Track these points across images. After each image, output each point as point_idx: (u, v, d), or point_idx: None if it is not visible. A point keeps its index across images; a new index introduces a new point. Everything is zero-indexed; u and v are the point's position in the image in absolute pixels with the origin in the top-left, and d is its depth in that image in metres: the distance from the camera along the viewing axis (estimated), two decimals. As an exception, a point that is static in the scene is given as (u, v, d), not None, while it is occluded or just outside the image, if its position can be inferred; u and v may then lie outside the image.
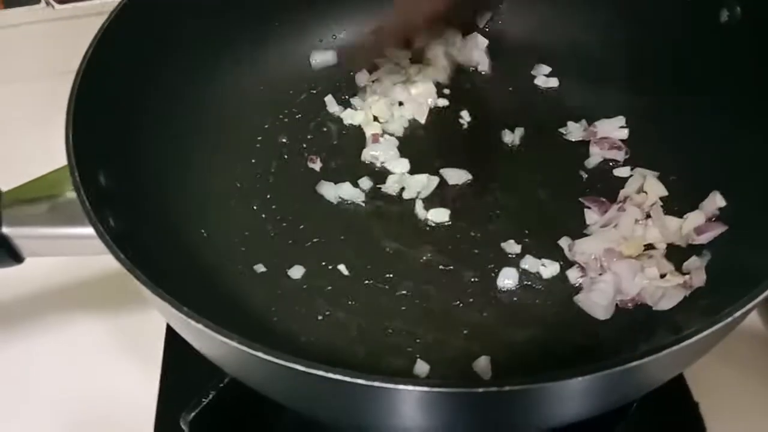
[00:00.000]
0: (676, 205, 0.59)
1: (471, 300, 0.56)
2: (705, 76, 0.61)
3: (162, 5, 0.59)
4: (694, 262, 0.54)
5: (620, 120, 0.65)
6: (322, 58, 0.73)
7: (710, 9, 0.59)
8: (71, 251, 0.50)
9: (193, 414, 0.52)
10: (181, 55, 0.62)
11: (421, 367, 0.52)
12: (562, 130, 0.67)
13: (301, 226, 0.61)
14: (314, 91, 0.71)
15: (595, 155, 0.64)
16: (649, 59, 0.65)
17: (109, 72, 0.52)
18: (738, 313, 0.37)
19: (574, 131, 0.66)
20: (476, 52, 0.71)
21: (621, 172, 0.63)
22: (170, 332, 0.61)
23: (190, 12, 0.62)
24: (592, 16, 0.69)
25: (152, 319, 0.60)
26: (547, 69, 0.71)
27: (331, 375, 0.34)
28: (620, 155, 0.63)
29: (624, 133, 0.65)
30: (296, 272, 0.58)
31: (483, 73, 0.72)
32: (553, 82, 0.70)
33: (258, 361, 0.36)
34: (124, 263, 0.39)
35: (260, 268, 0.58)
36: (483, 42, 0.72)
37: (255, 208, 0.63)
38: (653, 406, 0.55)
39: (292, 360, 0.34)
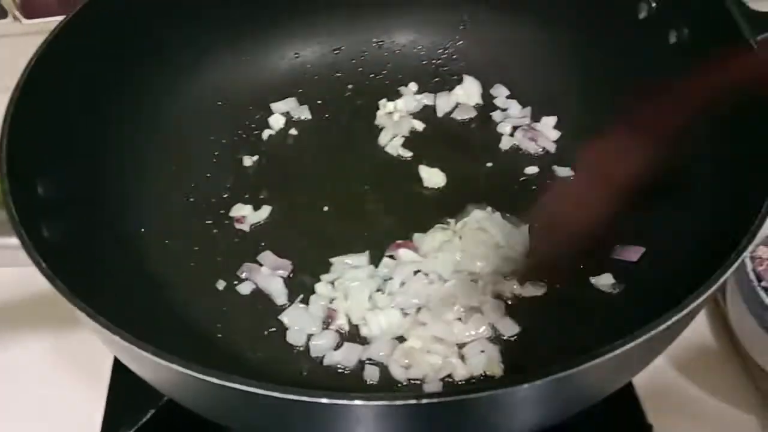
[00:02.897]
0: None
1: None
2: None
3: (116, 18, 0.59)
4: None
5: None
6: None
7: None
8: (6, 262, 0.49)
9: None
10: (135, 69, 0.62)
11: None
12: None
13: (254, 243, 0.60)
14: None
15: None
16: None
17: (54, 81, 0.52)
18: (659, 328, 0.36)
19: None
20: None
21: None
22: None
23: (146, 25, 0.62)
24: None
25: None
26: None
27: (264, 392, 0.33)
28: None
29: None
30: (245, 288, 0.57)
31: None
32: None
33: (188, 379, 0.35)
34: (46, 273, 0.38)
35: (208, 283, 0.57)
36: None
37: (208, 222, 0.62)
38: (607, 429, 0.55)
39: (218, 375, 0.33)
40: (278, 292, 0.56)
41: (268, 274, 0.57)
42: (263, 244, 0.60)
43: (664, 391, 0.56)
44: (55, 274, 0.38)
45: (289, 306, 0.56)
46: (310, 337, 0.54)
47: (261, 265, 0.58)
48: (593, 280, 0.56)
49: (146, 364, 0.37)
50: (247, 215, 0.62)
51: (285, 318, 0.55)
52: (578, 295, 0.56)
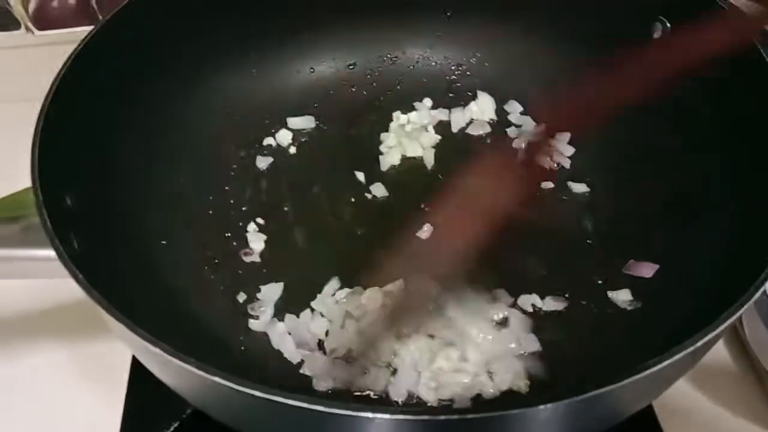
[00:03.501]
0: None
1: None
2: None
3: (137, 34, 0.59)
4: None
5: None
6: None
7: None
8: (35, 274, 0.49)
9: (154, 445, 0.51)
10: (157, 82, 0.62)
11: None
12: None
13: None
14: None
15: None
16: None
17: (78, 95, 0.52)
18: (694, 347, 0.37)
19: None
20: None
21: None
22: (135, 361, 0.59)
23: (165, 39, 0.62)
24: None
25: (119, 348, 0.59)
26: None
27: (293, 402, 0.34)
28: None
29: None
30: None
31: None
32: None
33: (218, 388, 0.35)
34: (82, 284, 0.38)
35: (229, 296, 0.58)
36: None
37: (228, 235, 0.62)
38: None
39: (248, 385, 0.33)
40: (291, 353, 0.54)
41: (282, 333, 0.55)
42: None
43: (681, 407, 0.56)
44: (93, 287, 0.38)
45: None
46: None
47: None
48: (611, 294, 0.56)
49: (184, 377, 0.37)
50: (255, 248, 0.61)
51: (307, 370, 0.53)
52: (596, 311, 0.56)
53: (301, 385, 0.52)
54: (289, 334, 0.54)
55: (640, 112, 0.57)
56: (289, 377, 0.52)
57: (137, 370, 0.59)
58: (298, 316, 0.56)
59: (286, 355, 0.54)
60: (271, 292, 0.58)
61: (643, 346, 0.50)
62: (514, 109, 0.71)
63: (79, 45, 0.53)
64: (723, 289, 0.45)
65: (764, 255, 0.42)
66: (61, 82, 0.50)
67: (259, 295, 0.58)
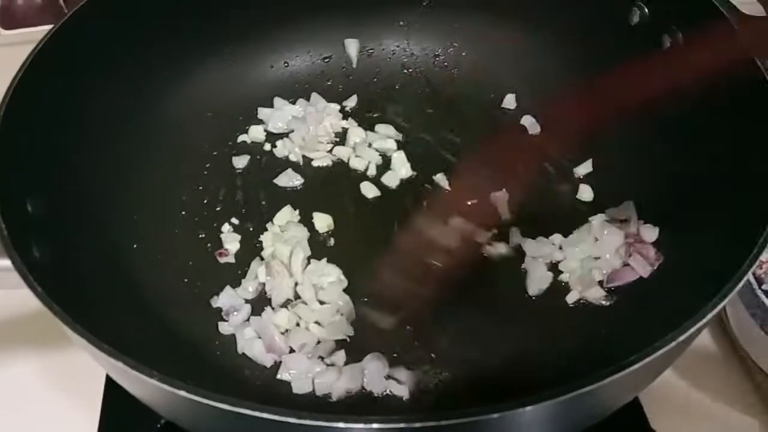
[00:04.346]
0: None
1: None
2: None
3: (100, 31, 0.58)
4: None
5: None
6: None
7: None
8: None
9: (130, 456, 0.49)
10: (122, 81, 0.60)
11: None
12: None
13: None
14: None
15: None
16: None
17: (40, 97, 0.51)
18: (680, 338, 0.36)
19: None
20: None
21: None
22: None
23: (131, 37, 0.60)
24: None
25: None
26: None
27: (263, 415, 0.32)
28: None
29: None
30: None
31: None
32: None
33: (185, 402, 0.34)
34: (40, 296, 0.37)
35: (203, 299, 0.56)
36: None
37: (201, 236, 0.61)
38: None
39: (215, 398, 0.32)
40: (261, 357, 0.53)
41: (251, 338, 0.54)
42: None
43: (667, 395, 0.56)
44: (49, 296, 0.37)
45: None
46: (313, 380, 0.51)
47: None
48: (585, 293, 0.55)
49: (150, 390, 0.36)
50: (230, 248, 0.60)
51: (285, 375, 0.52)
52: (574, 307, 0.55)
53: (280, 390, 0.51)
54: (259, 337, 0.53)
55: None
56: (265, 382, 0.51)
57: (112, 380, 0.57)
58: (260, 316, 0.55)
59: (256, 359, 0.52)
60: (243, 294, 0.56)
61: (624, 340, 0.50)
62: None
63: (36, 45, 0.52)
64: (706, 279, 0.44)
65: (749, 246, 0.41)
66: (19, 83, 0.49)
67: (230, 298, 0.56)
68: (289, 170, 0.65)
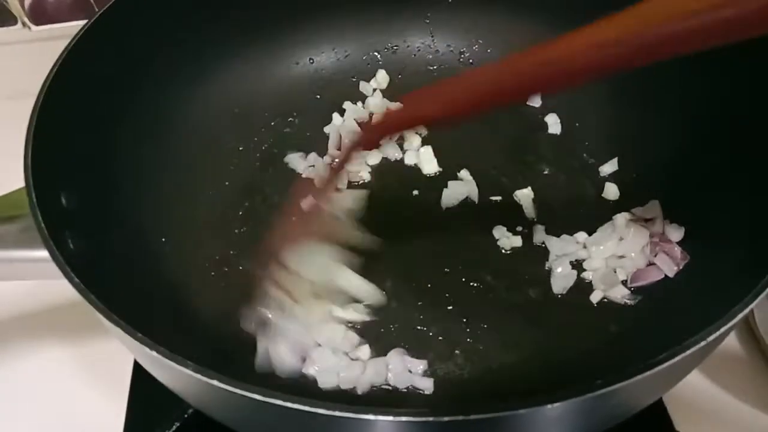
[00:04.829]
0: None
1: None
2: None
3: (133, 27, 0.58)
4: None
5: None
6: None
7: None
8: (33, 275, 0.48)
9: (157, 444, 0.50)
10: (152, 77, 0.61)
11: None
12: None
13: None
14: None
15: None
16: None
17: (72, 92, 0.51)
18: (711, 338, 0.36)
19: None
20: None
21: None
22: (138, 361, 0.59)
23: (162, 32, 0.61)
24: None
25: (121, 348, 0.58)
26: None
27: (293, 405, 0.33)
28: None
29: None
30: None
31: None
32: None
33: (217, 391, 0.35)
34: (77, 286, 0.38)
35: (230, 294, 0.57)
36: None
37: (228, 231, 0.61)
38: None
39: (246, 388, 0.32)
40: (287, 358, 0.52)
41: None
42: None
43: (691, 397, 0.56)
44: (86, 287, 0.38)
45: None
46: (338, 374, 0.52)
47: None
48: (609, 292, 0.55)
49: (182, 379, 0.36)
50: None
51: (311, 369, 0.52)
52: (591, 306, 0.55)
53: (306, 384, 0.51)
54: (282, 340, 0.53)
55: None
56: (291, 376, 0.51)
57: (140, 369, 0.58)
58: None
59: (284, 360, 0.52)
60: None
61: (649, 341, 0.49)
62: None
63: (71, 41, 0.53)
64: (734, 280, 0.44)
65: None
66: (54, 79, 0.49)
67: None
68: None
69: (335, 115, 0.69)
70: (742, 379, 0.57)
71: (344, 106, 0.70)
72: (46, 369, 0.60)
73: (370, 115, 0.70)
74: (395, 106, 0.69)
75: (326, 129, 0.69)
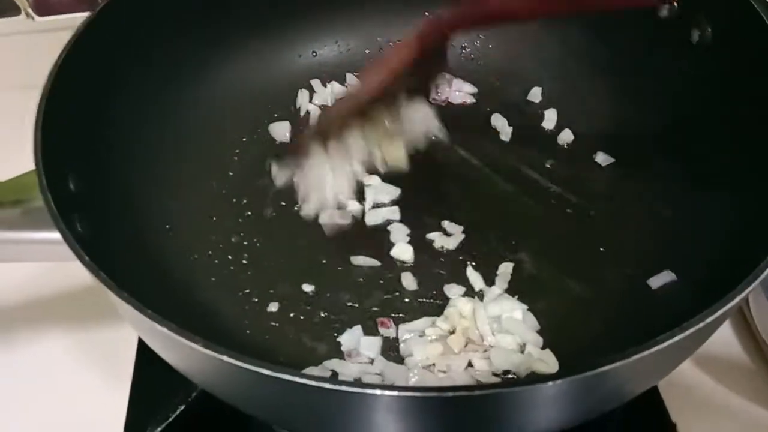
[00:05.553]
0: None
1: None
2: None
3: (137, 17, 0.59)
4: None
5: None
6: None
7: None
8: (39, 257, 0.49)
9: (160, 429, 0.51)
10: (157, 66, 0.62)
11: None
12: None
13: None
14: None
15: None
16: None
17: (80, 79, 0.52)
18: (705, 322, 0.36)
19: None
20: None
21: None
22: (141, 345, 0.59)
23: (165, 23, 0.62)
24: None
25: (124, 332, 0.59)
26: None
27: (301, 380, 0.33)
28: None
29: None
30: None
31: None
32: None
33: (225, 367, 0.35)
34: (89, 266, 0.38)
35: (233, 283, 0.57)
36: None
37: (230, 221, 0.62)
38: (630, 428, 0.55)
39: (258, 364, 0.33)
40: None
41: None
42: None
43: (687, 389, 0.56)
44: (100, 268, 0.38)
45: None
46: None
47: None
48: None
49: (190, 356, 0.37)
50: None
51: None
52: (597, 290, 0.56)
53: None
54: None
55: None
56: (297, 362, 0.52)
57: (143, 354, 0.59)
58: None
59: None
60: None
61: (648, 325, 0.50)
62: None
63: (78, 28, 0.53)
64: (729, 267, 0.45)
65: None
66: (62, 64, 0.50)
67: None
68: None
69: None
70: (738, 373, 0.58)
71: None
72: (47, 355, 0.61)
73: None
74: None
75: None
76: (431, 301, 0.56)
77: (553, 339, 0.53)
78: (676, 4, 0.58)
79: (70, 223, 0.43)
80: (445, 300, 0.56)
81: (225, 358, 0.34)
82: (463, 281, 0.57)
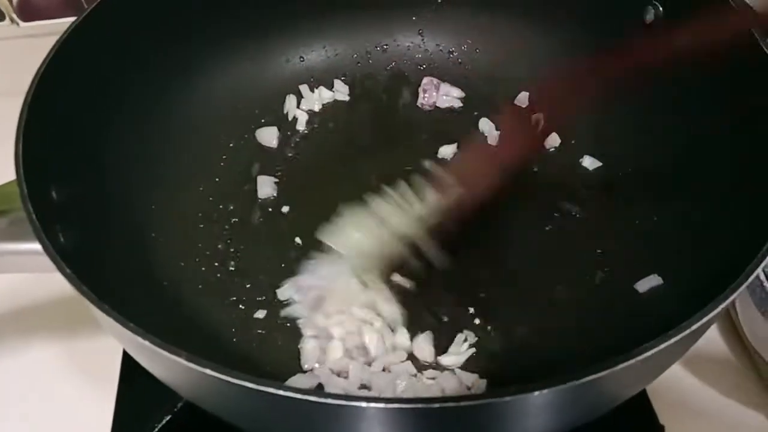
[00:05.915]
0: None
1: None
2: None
3: (123, 23, 0.58)
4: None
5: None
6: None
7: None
8: (23, 268, 0.48)
9: (146, 439, 0.50)
10: (141, 73, 0.61)
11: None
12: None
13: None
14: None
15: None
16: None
17: (63, 86, 0.51)
18: (692, 328, 0.37)
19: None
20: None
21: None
22: (126, 355, 0.59)
23: (151, 29, 0.61)
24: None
25: (110, 342, 0.58)
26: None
27: (282, 392, 0.33)
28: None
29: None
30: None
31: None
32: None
33: (209, 379, 0.35)
34: (69, 278, 0.38)
35: (220, 289, 0.57)
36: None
37: (218, 227, 0.62)
38: (618, 430, 0.55)
39: (241, 377, 0.33)
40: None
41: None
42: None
43: (675, 391, 0.57)
44: (81, 280, 0.38)
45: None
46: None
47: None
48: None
49: (174, 369, 0.37)
50: None
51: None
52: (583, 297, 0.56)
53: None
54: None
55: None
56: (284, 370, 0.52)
57: (129, 363, 0.58)
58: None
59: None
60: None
61: (635, 329, 0.50)
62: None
63: (62, 36, 0.53)
64: (716, 271, 0.45)
65: (760, 240, 0.42)
66: (45, 72, 0.49)
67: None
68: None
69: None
70: (726, 375, 0.58)
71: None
72: (32, 365, 0.60)
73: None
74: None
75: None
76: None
77: (539, 344, 0.53)
78: (661, 8, 0.59)
79: (53, 234, 0.43)
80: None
81: (208, 371, 0.33)
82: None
